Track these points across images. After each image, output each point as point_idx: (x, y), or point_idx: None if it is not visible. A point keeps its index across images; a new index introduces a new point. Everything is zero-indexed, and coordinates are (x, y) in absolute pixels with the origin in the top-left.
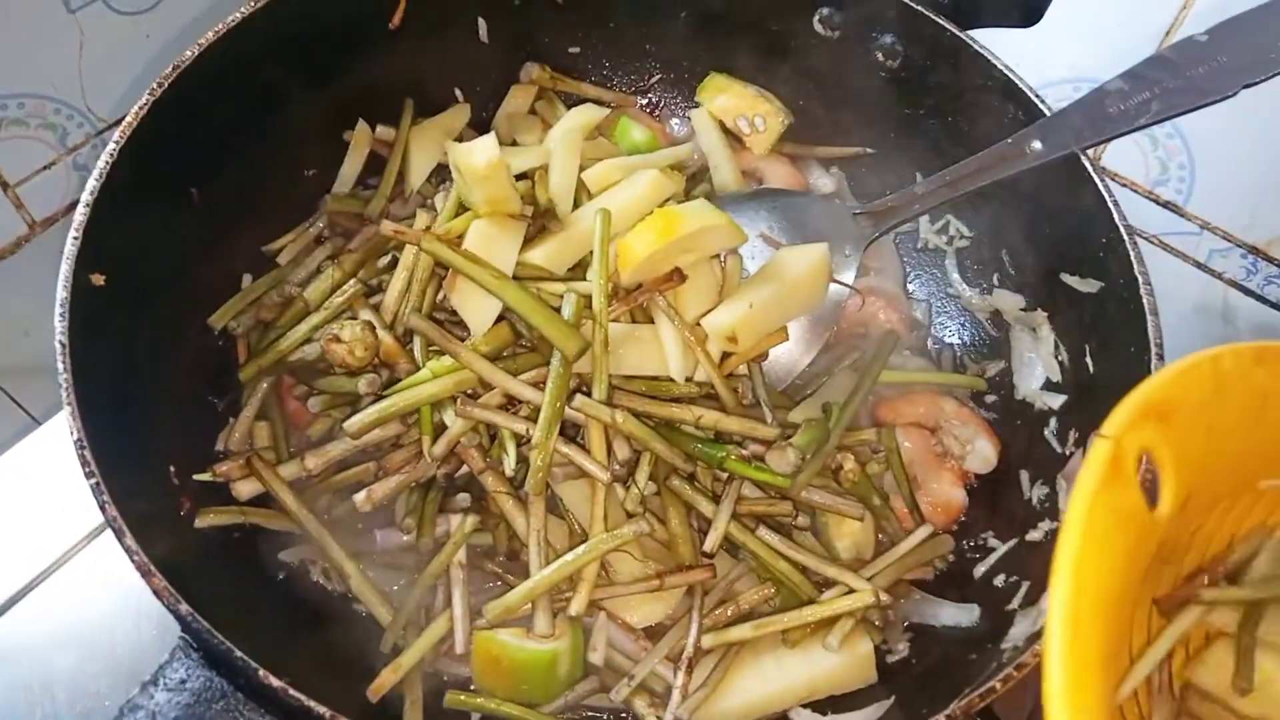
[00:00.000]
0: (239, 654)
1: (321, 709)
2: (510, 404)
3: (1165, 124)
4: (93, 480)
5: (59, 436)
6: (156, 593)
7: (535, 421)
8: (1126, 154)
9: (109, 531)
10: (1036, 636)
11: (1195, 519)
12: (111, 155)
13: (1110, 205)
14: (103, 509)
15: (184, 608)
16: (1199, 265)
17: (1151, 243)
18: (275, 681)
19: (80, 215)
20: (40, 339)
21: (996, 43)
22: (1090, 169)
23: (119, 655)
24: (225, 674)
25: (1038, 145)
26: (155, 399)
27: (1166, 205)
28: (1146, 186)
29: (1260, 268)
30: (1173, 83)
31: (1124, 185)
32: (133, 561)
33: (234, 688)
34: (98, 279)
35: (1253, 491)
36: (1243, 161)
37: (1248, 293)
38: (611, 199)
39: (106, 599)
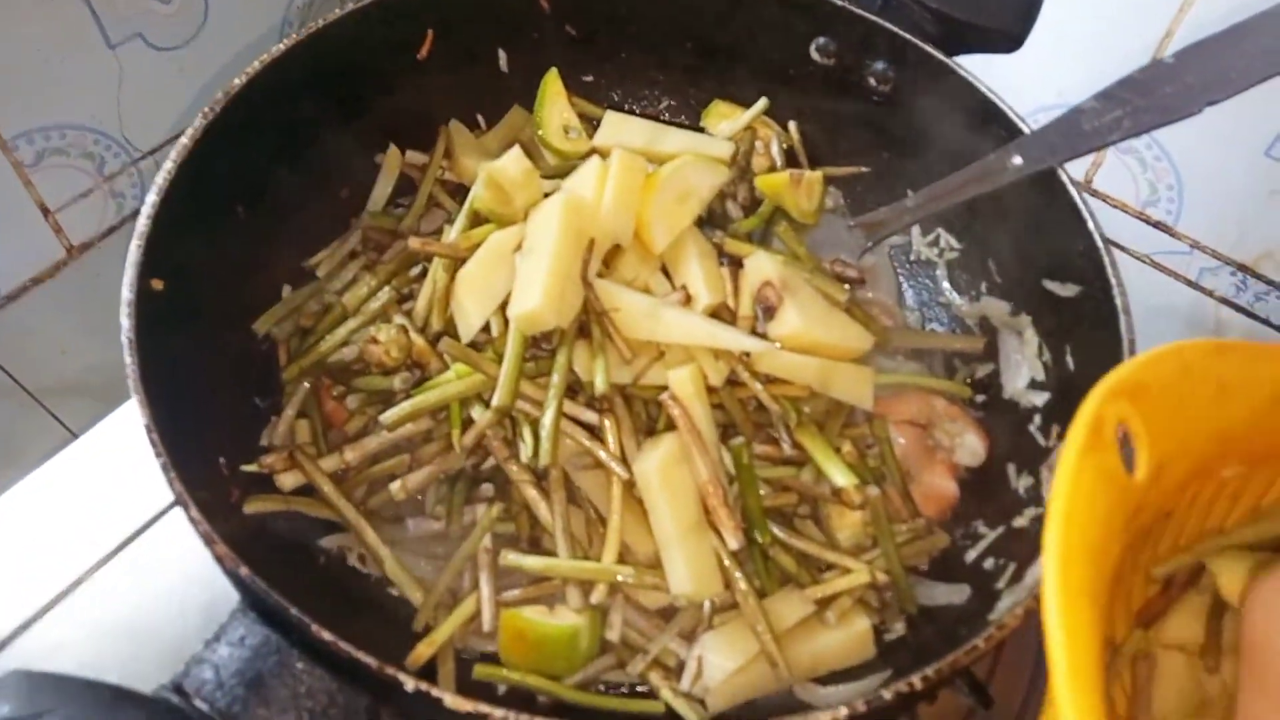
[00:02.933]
0: (294, 611)
1: (368, 659)
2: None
3: (1154, 147)
4: (161, 459)
5: (95, 449)
6: (219, 558)
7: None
8: (1117, 176)
9: (146, 534)
10: (1018, 604)
11: (1169, 498)
12: (169, 173)
13: (1086, 215)
14: (170, 484)
15: (244, 570)
16: (1190, 283)
17: (1143, 261)
18: (327, 635)
19: (142, 225)
20: (76, 358)
21: (989, 69)
22: (1067, 182)
23: (166, 641)
24: (280, 630)
25: (1018, 160)
26: (206, 396)
27: (1157, 225)
28: (1137, 207)
29: (1249, 284)
30: (1142, 102)
31: (1115, 206)
32: (198, 531)
33: (288, 643)
34: (157, 284)
35: (1217, 480)
36: (1228, 182)
37: (1238, 309)
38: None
39: (149, 594)
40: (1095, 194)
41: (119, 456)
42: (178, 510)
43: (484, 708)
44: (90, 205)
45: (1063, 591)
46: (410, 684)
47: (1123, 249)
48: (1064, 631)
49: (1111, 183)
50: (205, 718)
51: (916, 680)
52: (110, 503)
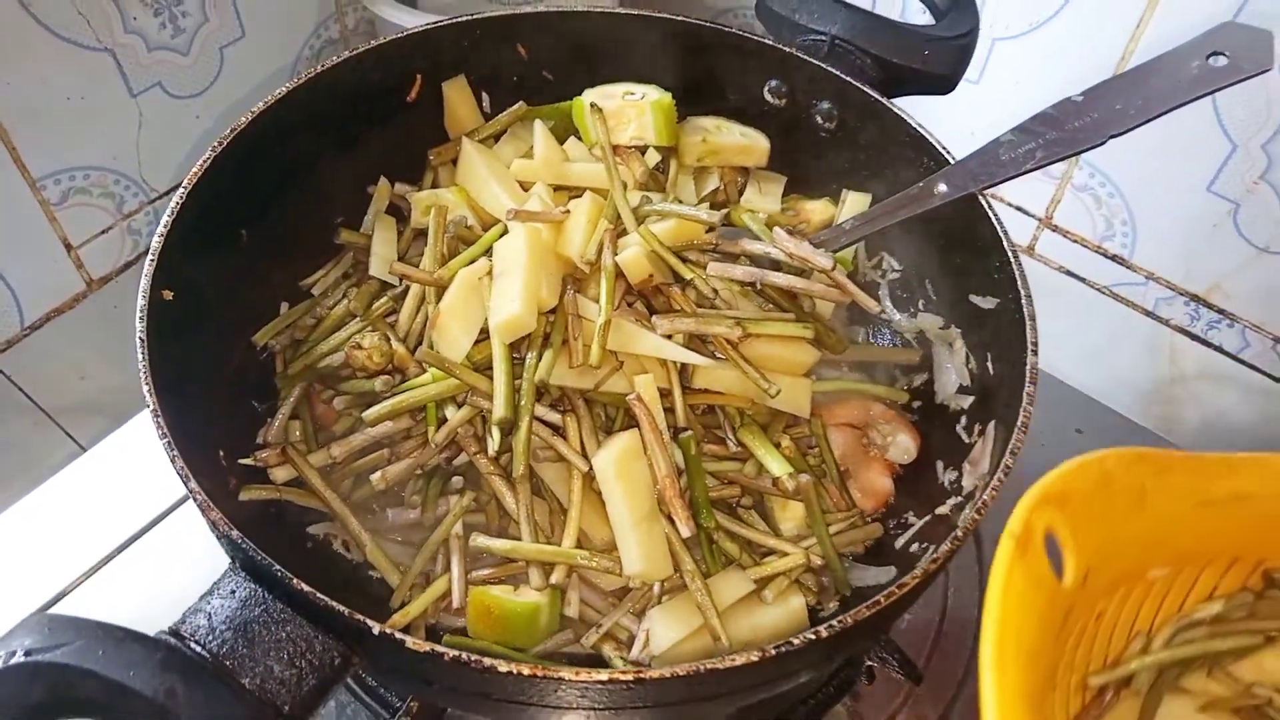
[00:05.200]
0: (277, 567)
1: (340, 607)
2: None
3: (1107, 185)
4: (165, 440)
5: (101, 461)
6: (214, 523)
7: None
8: (1075, 212)
9: (146, 538)
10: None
11: (1098, 600)
12: (181, 198)
13: (1001, 234)
14: (172, 461)
15: (235, 533)
16: (1147, 313)
17: (1103, 293)
18: (305, 587)
19: (155, 242)
20: (93, 382)
21: (940, 109)
22: (986, 206)
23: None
24: (265, 585)
25: (943, 187)
26: (208, 396)
27: (1114, 258)
28: (1095, 241)
29: (1202, 314)
30: (1053, 134)
31: (1075, 241)
32: (196, 500)
33: (273, 596)
34: (167, 294)
35: (1144, 582)
36: (1175, 217)
37: (1193, 337)
38: None
39: (152, 588)
40: (1056, 229)
41: (126, 467)
42: (173, 516)
43: (439, 648)
44: (109, 241)
45: (999, 692)
46: (376, 628)
47: (1083, 280)
48: None
49: (1070, 219)
50: (199, 657)
51: (823, 630)
52: (102, 519)
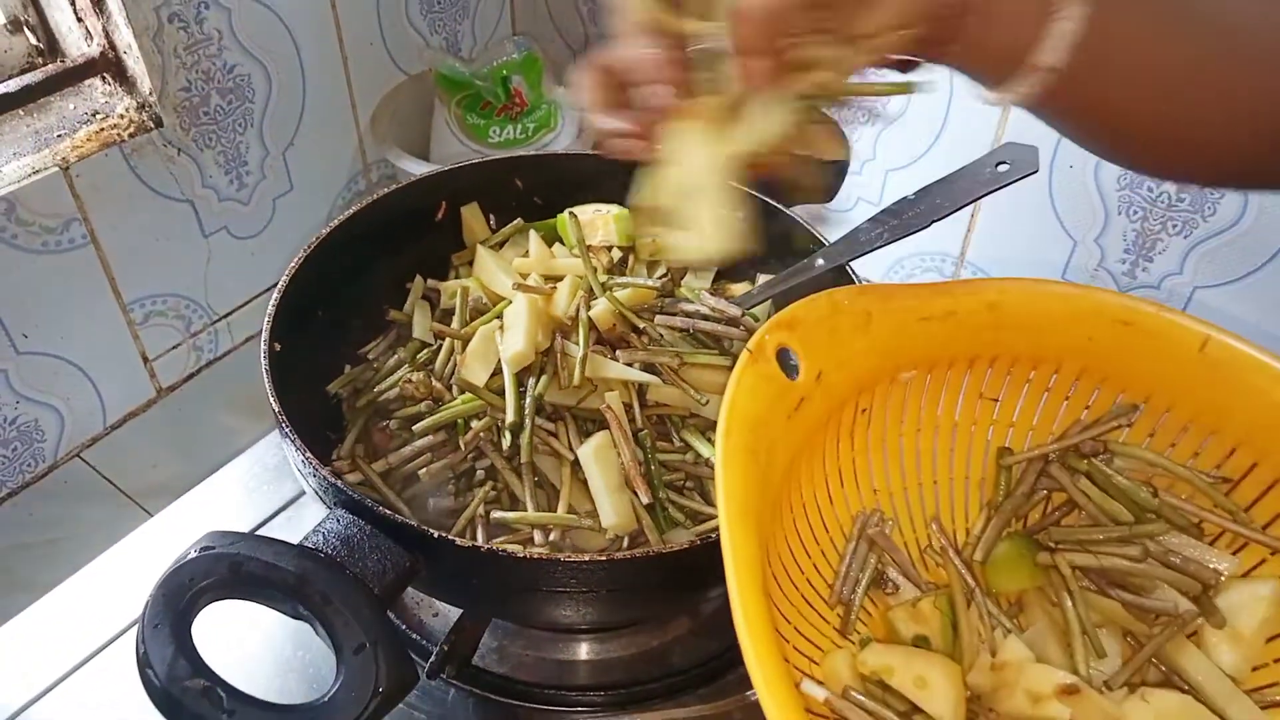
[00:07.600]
0: (367, 499)
1: (411, 520)
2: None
3: (980, 275)
4: (285, 427)
5: (167, 525)
6: (323, 477)
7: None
8: None
9: None
10: None
11: (857, 395)
12: (283, 284)
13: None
14: (293, 443)
15: (339, 481)
16: None
17: None
18: (387, 511)
19: (271, 310)
20: (163, 470)
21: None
22: (851, 273)
23: None
24: (358, 514)
25: (820, 262)
26: (297, 424)
27: None
28: None
29: None
30: (895, 222)
31: None
32: (306, 460)
33: (364, 521)
34: (277, 346)
35: (899, 383)
36: None
37: None
38: None
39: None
40: None
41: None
42: None
43: (477, 542)
44: (177, 356)
45: (726, 445)
46: (435, 533)
47: None
48: (725, 471)
49: None
50: (320, 555)
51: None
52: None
